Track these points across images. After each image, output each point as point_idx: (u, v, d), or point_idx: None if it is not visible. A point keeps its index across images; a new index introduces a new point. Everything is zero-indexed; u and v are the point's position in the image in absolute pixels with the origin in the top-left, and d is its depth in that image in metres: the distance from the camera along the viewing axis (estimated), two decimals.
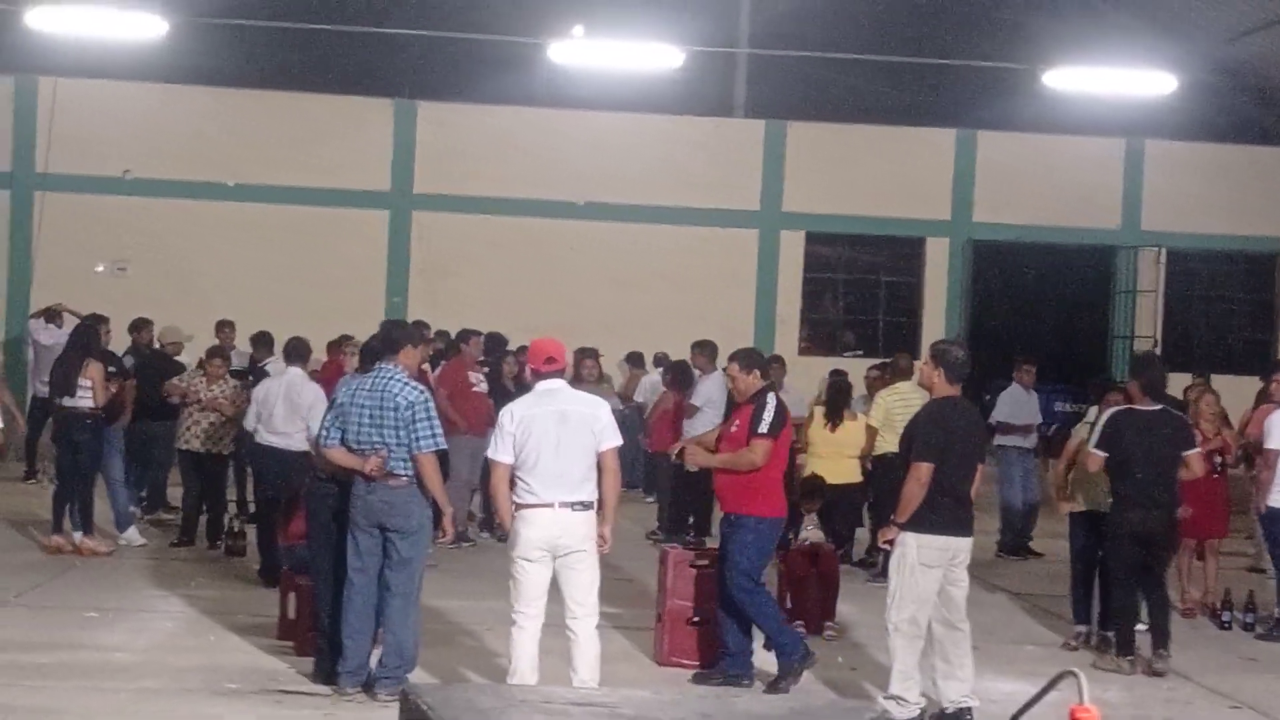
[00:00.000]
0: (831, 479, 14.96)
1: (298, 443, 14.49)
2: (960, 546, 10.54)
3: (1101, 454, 12.40)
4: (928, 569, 10.38)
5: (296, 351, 15.36)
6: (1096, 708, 4.09)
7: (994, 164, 27.91)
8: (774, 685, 11.20)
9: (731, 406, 13.68)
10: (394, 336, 11.18)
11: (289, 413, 14.70)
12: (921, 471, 10.30)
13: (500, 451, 10.19)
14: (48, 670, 10.94)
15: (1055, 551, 17.04)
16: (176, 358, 18.63)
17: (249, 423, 15.19)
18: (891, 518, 10.54)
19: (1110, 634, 12.97)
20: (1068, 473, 13.56)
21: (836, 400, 16.22)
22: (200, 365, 17.40)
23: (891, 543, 10.56)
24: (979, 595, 15.65)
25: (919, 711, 10.32)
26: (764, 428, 11.19)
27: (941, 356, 10.65)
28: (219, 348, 17.86)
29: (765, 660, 11.47)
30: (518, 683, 9.99)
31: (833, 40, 27.42)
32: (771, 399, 11.38)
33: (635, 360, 23.67)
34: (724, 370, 12.78)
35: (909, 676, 10.42)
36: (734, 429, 11.49)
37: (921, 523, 10.34)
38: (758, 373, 11.55)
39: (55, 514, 16.20)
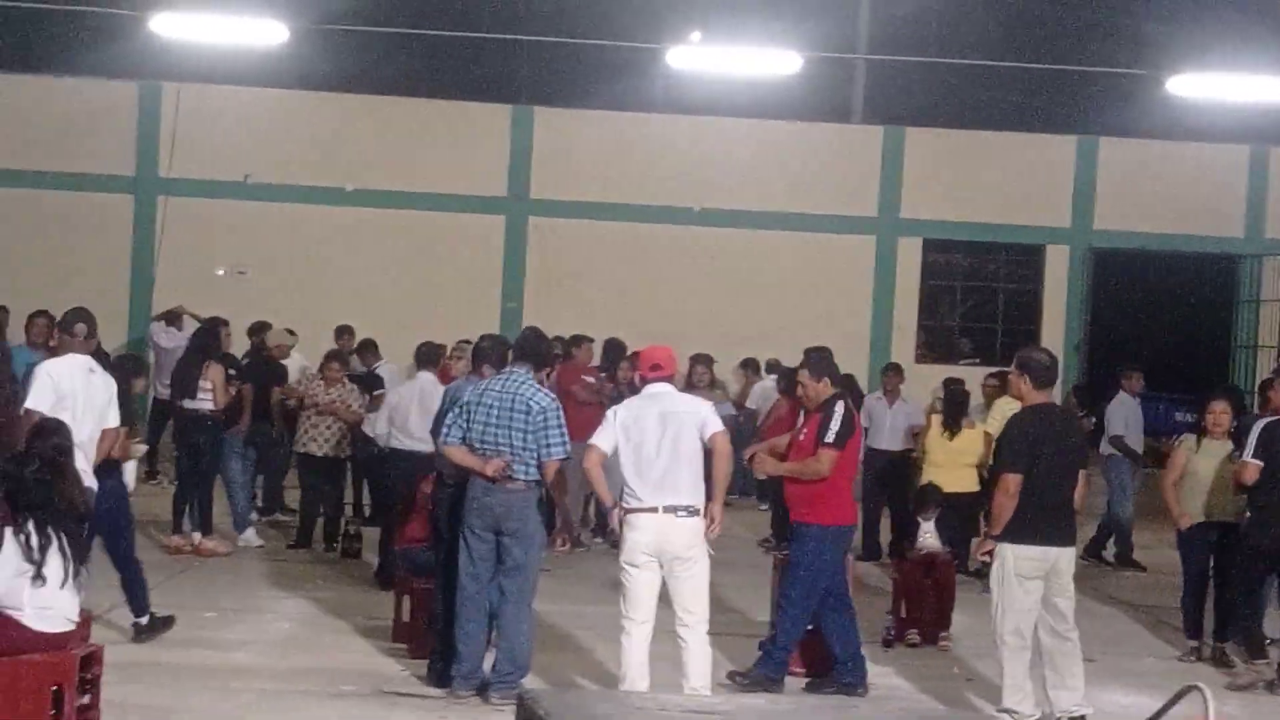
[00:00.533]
0: (948, 487, 14.81)
1: (429, 446, 14.58)
2: (1060, 556, 10.42)
3: (1259, 463, 12.15)
4: (1025, 580, 10.27)
5: (428, 357, 15.49)
6: None
7: (1116, 171, 27.60)
8: (730, 675, 11.13)
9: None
10: (540, 349, 11.15)
11: (423, 417, 14.73)
12: (1009, 483, 10.20)
13: (599, 438, 10.29)
14: (166, 669, 11.04)
15: (1155, 564, 16.90)
16: (284, 361, 18.72)
17: (380, 427, 15.25)
18: (985, 530, 10.44)
19: (1225, 645, 12.79)
20: (1175, 487, 13.30)
21: (953, 409, 16.10)
22: (320, 370, 17.49)
23: (990, 555, 10.46)
24: (1094, 607, 15.51)
25: None
26: (830, 437, 11.08)
27: (1027, 364, 10.54)
28: (336, 351, 17.95)
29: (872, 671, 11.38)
30: (628, 688, 10.00)
31: (952, 45, 27.23)
32: (840, 408, 11.23)
33: (750, 366, 23.61)
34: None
35: (1020, 688, 10.32)
36: (802, 437, 11.39)
37: (1016, 533, 10.24)
38: (827, 380, 11.43)
39: (175, 515, 16.38)
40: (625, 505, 10.16)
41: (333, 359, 17.38)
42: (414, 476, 14.21)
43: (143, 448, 14.57)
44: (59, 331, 12.31)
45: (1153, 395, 24.36)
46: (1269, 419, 12.54)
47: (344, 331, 21.26)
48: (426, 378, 15.11)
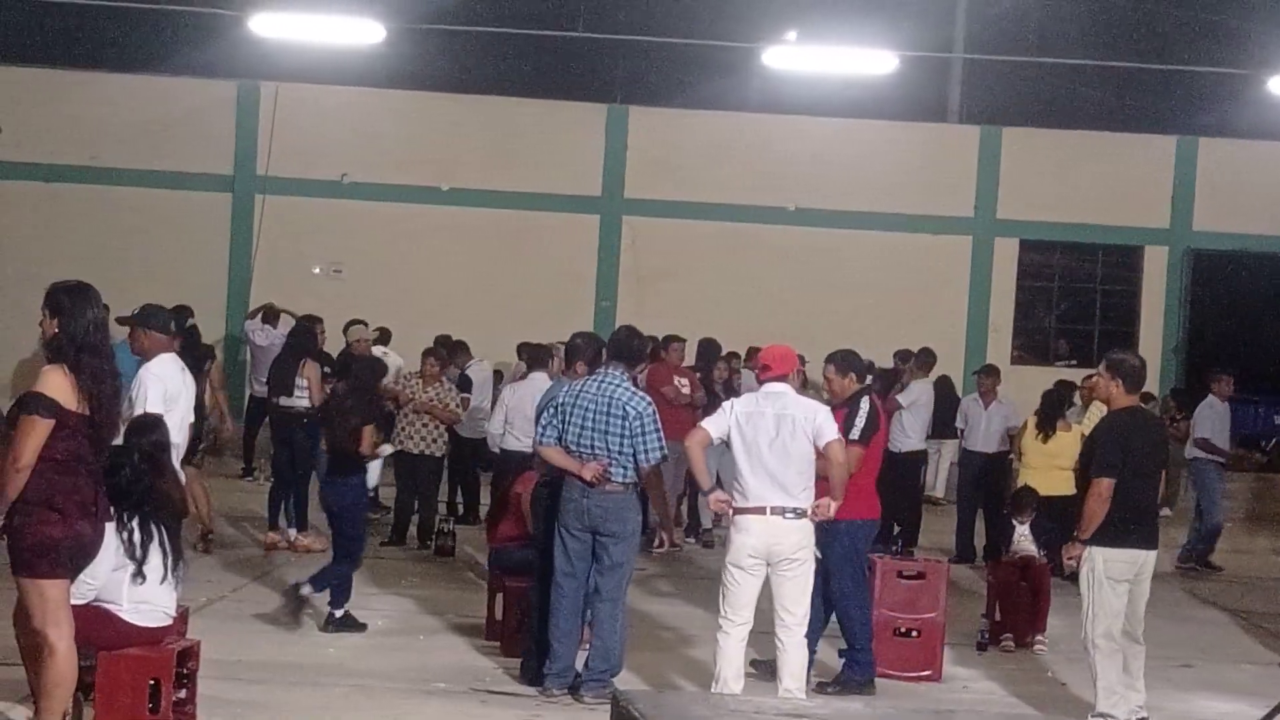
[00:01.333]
0: (1043, 490, 14.69)
1: None
2: (1147, 559, 10.43)
3: None
4: (1116, 583, 10.21)
5: (537, 357, 15.57)
6: None
7: (1215, 171, 27.27)
8: (819, 687, 11.03)
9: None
10: (633, 346, 11.18)
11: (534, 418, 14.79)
12: (1102, 487, 10.13)
13: (712, 423, 10.31)
14: (261, 665, 11.12)
15: (1235, 568, 16.69)
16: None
17: (494, 427, 15.35)
18: (1075, 534, 10.34)
19: None
20: None
21: (1049, 411, 15.98)
22: (421, 369, 17.50)
23: (1077, 559, 10.37)
24: (1192, 612, 15.36)
25: None
26: (856, 434, 11.00)
27: (1118, 367, 10.45)
28: (433, 349, 17.96)
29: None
30: (722, 689, 10.00)
31: (1049, 44, 27.07)
32: (865, 404, 11.20)
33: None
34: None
35: (1114, 691, 10.26)
36: None
37: (1107, 536, 10.18)
38: (854, 376, 11.39)
39: (271, 511, 16.51)
40: (734, 505, 10.14)
41: (428, 354, 17.43)
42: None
43: (388, 448, 14.77)
44: (142, 331, 12.27)
45: (1249, 398, 24.14)
46: None
47: (442, 343, 21.34)
48: (540, 377, 15.13)
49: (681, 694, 9.52)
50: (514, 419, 15.09)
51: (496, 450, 15.55)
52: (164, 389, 10.98)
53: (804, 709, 4.47)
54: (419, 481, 16.90)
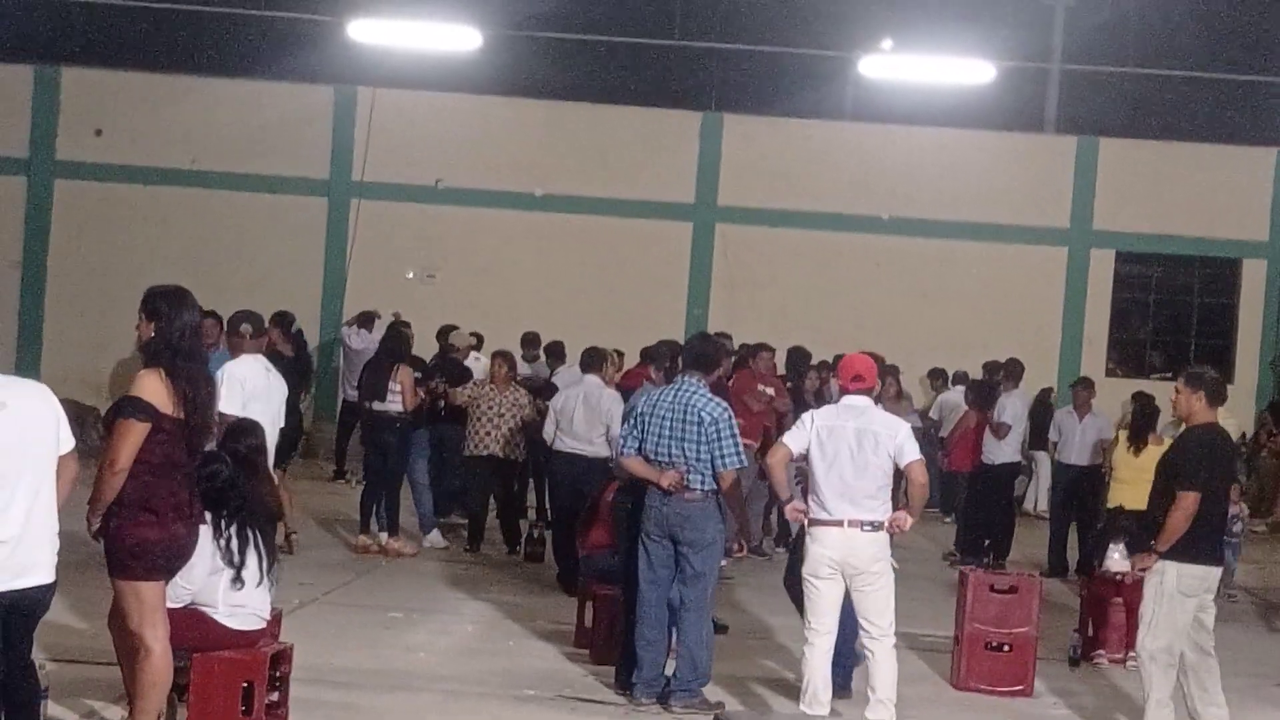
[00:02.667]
0: (1134, 504, 14.52)
1: (599, 448, 14.66)
2: (1216, 574, 10.37)
3: None
4: (1186, 598, 10.11)
5: (592, 360, 15.49)
6: None
7: None
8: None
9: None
10: (708, 353, 11.16)
11: (589, 418, 14.83)
12: (1189, 501, 10.01)
13: (791, 437, 10.29)
14: (352, 668, 11.18)
15: None
16: (467, 363, 18.87)
17: (547, 432, 15.29)
18: (1152, 545, 10.22)
19: None
20: None
21: (1140, 424, 15.81)
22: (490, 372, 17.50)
23: (1147, 570, 10.27)
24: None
25: None
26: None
27: (1199, 381, 10.32)
28: (503, 351, 17.89)
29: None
30: (810, 699, 10.00)
31: (1149, 55, 26.82)
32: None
33: (938, 377, 23.46)
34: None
35: (1164, 705, 10.15)
36: None
37: (1183, 551, 10.07)
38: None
39: (363, 514, 16.59)
40: (811, 516, 10.14)
41: (497, 357, 17.39)
42: (586, 479, 14.35)
43: None
44: (227, 334, 12.49)
45: None
46: None
47: (530, 341, 21.41)
48: (592, 380, 15.14)
49: (782, 717, 9.45)
50: (562, 421, 15.00)
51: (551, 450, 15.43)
52: (241, 387, 11.06)
53: None
54: (495, 486, 16.87)
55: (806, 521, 10.19)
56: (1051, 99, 27.73)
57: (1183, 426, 15.85)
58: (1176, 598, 10.10)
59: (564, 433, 15.00)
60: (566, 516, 14.88)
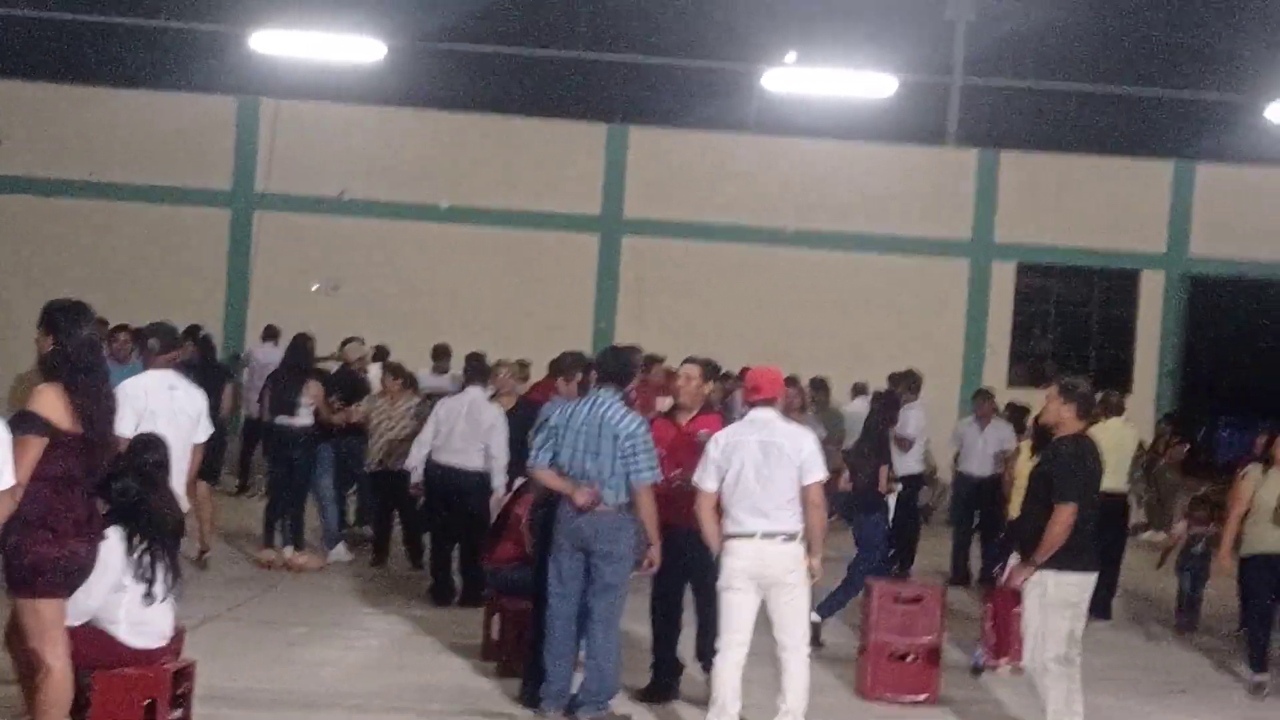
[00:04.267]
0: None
1: (477, 462, 14.53)
2: (1092, 581, 10.44)
3: None
4: (1066, 606, 10.21)
5: (477, 371, 15.36)
6: None
7: (1212, 197, 27.33)
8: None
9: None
10: (622, 366, 11.07)
11: (471, 432, 14.68)
12: (1066, 514, 10.09)
13: (704, 478, 10.20)
14: (256, 685, 11.09)
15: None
16: (363, 375, 18.78)
17: (424, 439, 15.05)
18: (1030, 557, 10.30)
19: None
20: (1240, 521, 13.14)
21: (1043, 433, 15.90)
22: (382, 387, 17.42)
23: (1024, 582, 10.34)
24: (1191, 637, 15.36)
25: None
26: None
27: (1071, 392, 10.41)
28: (394, 365, 17.83)
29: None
30: (719, 710, 10.01)
31: (1048, 69, 27.10)
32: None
33: (819, 387, 23.52)
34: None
35: (1062, 714, 10.24)
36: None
37: (1059, 560, 10.16)
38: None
39: (267, 529, 16.47)
40: (725, 531, 10.14)
41: (390, 372, 17.31)
42: (454, 491, 14.32)
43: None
44: (140, 348, 12.36)
45: (1235, 423, 24.18)
46: None
47: (441, 353, 21.34)
48: (475, 392, 15.02)
49: None
50: (441, 432, 14.86)
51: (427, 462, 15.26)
52: (132, 405, 10.93)
53: None
54: (398, 499, 16.78)
55: (721, 535, 10.18)
56: (953, 112, 27.97)
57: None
58: (1058, 606, 10.20)
59: (443, 444, 14.82)
60: (442, 529, 14.85)
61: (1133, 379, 27.19)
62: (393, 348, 21.54)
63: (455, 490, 14.59)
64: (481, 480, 14.40)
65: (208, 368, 16.99)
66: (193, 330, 17.64)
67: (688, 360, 11.64)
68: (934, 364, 23.82)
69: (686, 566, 10.97)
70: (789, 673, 10.12)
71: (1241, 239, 27.22)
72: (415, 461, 15.07)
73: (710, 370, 11.64)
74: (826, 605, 13.54)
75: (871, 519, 14.38)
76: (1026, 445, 15.90)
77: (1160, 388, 27.45)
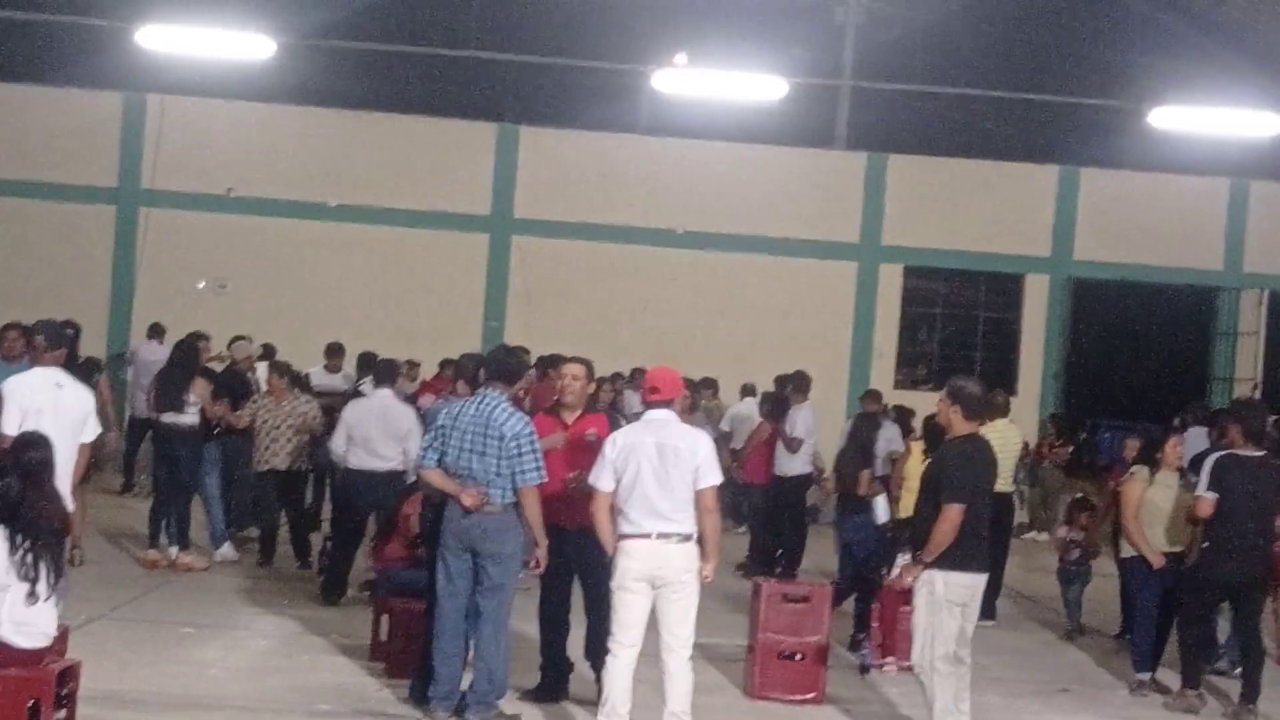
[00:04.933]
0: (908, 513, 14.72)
1: (394, 463, 14.53)
2: (982, 581, 10.57)
3: (1213, 496, 12.19)
4: (955, 605, 10.33)
5: (387, 374, 15.35)
6: None
7: (1096, 202, 27.69)
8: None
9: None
10: (510, 365, 11.13)
11: (385, 433, 14.69)
12: (954, 513, 10.21)
13: (600, 479, 10.19)
14: (142, 686, 11.00)
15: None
16: (250, 374, 18.68)
17: (337, 445, 15.03)
18: (918, 556, 10.40)
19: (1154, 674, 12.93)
20: (1135, 519, 13.29)
21: (934, 434, 16.06)
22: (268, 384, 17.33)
23: (913, 581, 10.44)
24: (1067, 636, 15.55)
25: None
26: None
27: (958, 394, 10.53)
28: (280, 364, 17.73)
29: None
30: (609, 711, 10.01)
31: (936, 74, 27.36)
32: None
33: (708, 387, 23.64)
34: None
35: (950, 712, 10.35)
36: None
37: (949, 560, 10.28)
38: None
39: (152, 529, 16.33)
40: (619, 531, 10.14)
41: (276, 371, 17.24)
42: (372, 493, 14.27)
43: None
44: (28, 345, 12.22)
45: (1125, 425, 24.51)
46: (1221, 453, 12.58)
47: (334, 351, 21.24)
48: (386, 394, 15.02)
49: None
50: (356, 436, 14.83)
51: (342, 467, 15.21)
52: (16, 402, 10.83)
53: None
54: (285, 498, 16.71)
55: (615, 536, 10.18)
56: (842, 115, 28.15)
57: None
58: (946, 606, 10.30)
59: (359, 447, 14.82)
60: (355, 530, 14.81)
61: (1018, 381, 27.47)
62: (280, 347, 21.40)
63: (373, 493, 14.48)
64: (399, 479, 14.31)
65: (72, 365, 16.83)
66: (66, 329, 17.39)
67: (573, 359, 11.67)
68: (822, 365, 23.96)
69: (576, 566, 11.00)
70: (670, 674, 10.10)
71: (1124, 243, 27.58)
72: (339, 462, 15.05)
73: (591, 370, 11.68)
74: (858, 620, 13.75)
75: (855, 520, 14.65)
76: (917, 446, 16.04)
77: (1045, 389, 27.76)
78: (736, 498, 20.61)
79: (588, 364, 11.60)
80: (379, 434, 14.67)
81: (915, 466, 15.71)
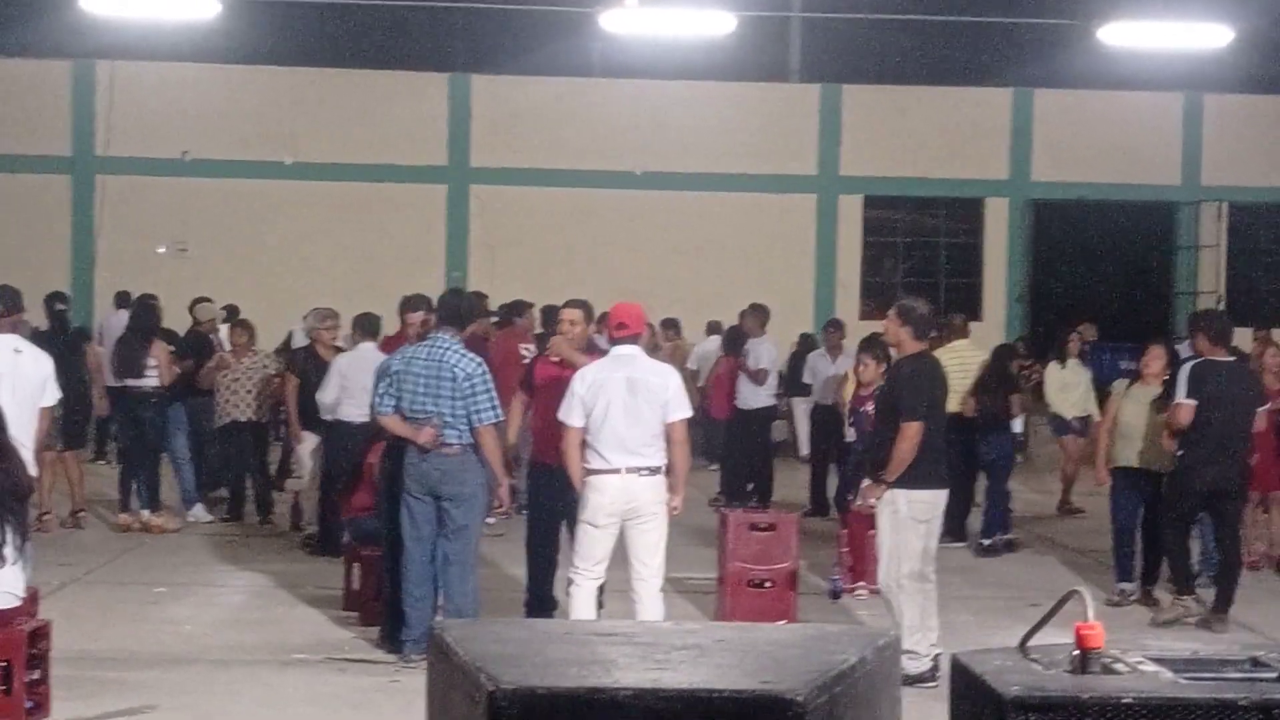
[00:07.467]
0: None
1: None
2: (944, 497, 10.64)
3: (1193, 402, 12.20)
4: (918, 523, 10.40)
5: (368, 327, 15.35)
6: (1100, 624, 4.12)
7: (1051, 122, 27.78)
8: None
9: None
10: (460, 308, 11.18)
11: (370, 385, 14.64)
12: (913, 431, 10.25)
13: (570, 415, 10.23)
14: (117, 645, 11.06)
15: (1094, 508, 17.05)
16: (213, 335, 18.69)
17: (329, 396, 14.97)
18: (880, 475, 10.47)
19: (1155, 590, 12.98)
20: (1110, 434, 13.45)
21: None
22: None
23: (876, 501, 10.52)
24: (1045, 554, 15.71)
25: (931, 664, 10.29)
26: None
27: (908, 314, 10.56)
28: (242, 320, 17.74)
29: None
30: None
31: (885, 1, 27.31)
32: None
33: (670, 326, 23.65)
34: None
35: (917, 629, 10.41)
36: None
37: (910, 478, 10.34)
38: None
39: (122, 493, 16.39)
40: (588, 465, 10.18)
41: (238, 326, 17.25)
42: (362, 445, 14.24)
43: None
44: None
45: (1097, 345, 24.61)
46: (1197, 360, 12.64)
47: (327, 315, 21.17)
48: (368, 347, 15.01)
49: (497, 620, 9.32)
50: (348, 388, 14.84)
51: (329, 419, 15.21)
52: None
53: (613, 629, 4.56)
54: (248, 452, 16.76)
55: (584, 471, 10.24)
56: (793, 48, 28.15)
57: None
58: (910, 524, 10.38)
59: (352, 399, 14.73)
60: (343, 486, 14.82)
61: (982, 305, 27.60)
62: (242, 307, 21.37)
63: (362, 443, 14.47)
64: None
65: (61, 336, 16.90)
66: (49, 300, 17.50)
67: (569, 304, 11.70)
68: (786, 300, 24.07)
69: (564, 506, 11.05)
70: (642, 601, 10.21)
71: (1082, 162, 27.69)
72: (328, 415, 14.96)
73: (589, 312, 11.72)
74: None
75: (997, 440, 15.98)
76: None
77: (1010, 313, 27.89)
78: (708, 434, 20.68)
79: (585, 306, 11.65)
80: (364, 387, 14.60)
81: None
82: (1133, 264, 30.96)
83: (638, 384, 10.15)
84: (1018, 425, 16.60)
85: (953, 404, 14.15)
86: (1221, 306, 26.20)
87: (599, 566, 10.24)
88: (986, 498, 16.12)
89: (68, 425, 15.85)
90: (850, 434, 14.81)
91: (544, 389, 11.29)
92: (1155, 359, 13.42)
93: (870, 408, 14.43)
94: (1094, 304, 27.10)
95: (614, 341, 10.46)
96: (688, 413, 10.30)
